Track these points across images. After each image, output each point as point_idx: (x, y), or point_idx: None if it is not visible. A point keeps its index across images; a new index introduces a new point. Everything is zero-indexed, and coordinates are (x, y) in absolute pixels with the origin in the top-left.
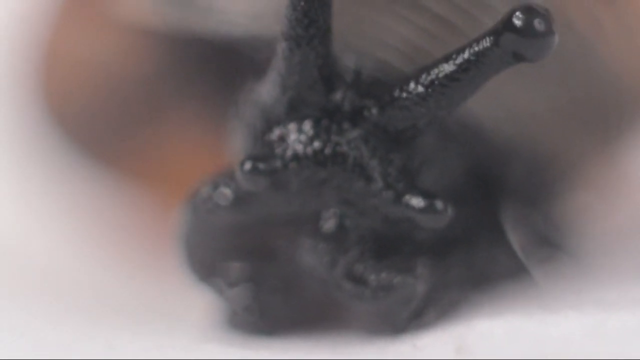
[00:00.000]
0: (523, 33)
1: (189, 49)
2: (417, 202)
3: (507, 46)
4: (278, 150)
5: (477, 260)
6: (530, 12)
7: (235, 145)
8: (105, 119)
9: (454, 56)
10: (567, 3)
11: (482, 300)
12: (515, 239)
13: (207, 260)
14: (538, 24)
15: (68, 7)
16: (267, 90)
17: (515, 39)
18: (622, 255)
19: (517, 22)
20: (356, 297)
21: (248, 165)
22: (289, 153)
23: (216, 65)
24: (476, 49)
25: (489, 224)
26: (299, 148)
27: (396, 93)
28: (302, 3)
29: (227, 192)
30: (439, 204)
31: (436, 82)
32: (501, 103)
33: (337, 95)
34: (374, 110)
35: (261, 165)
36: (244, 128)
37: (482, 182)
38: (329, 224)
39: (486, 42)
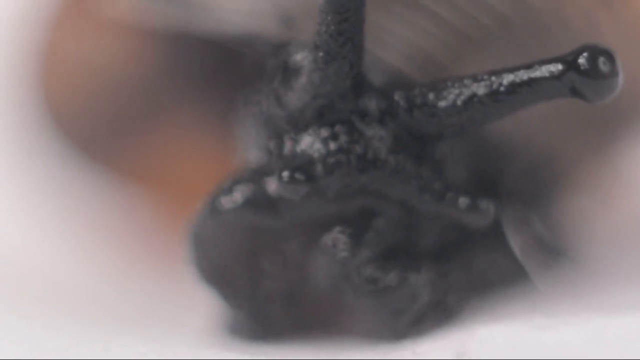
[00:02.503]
0: (587, 74)
1: (188, 49)
2: (462, 201)
3: (568, 82)
4: (316, 156)
5: (477, 264)
6: (596, 52)
7: (251, 144)
8: (105, 121)
9: (504, 77)
10: (563, 2)
11: (482, 305)
12: (515, 242)
13: (216, 261)
14: (602, 65)
15: (66, 8)
16: (295, 95)
17: (578, 78)
18: (621, 259)
19: (583, 63)
20: (365, 292)
21: (286, 175)
22: (331, 161)
23: (216, 65)
24: (531, 75)
25: (490, 226)
26: (340, 155)
27: (430, 98)
28: (335, 24)
29: (247, 193)
30: (483, 203)
31: (475, 100)
32: None
33: (365, 99)
34: (403, 112)
35: (299, 175)
36: (264, 128)
37: (482, 183)
38: (356, 224)
39: (544, 72)
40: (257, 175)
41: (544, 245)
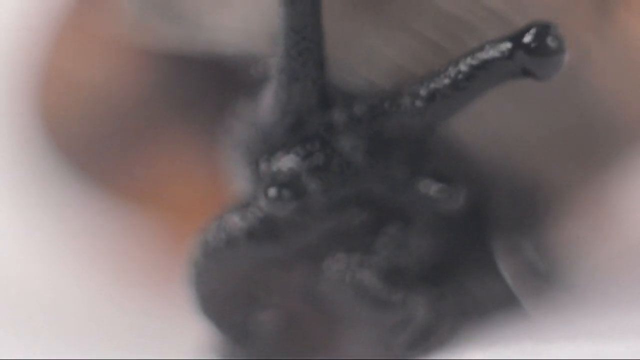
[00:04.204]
0: (535, 52)
1: (184, 69)
2: (433, 189)
3: (519, 62)
4: (297, 172)
5: (470, 289)
6: (544, 29)
7: (231, 166)
8: (102, 139)
9: (460, 62)
10: None
11: (474, 331)
12: (506, 268)
13: (215, 293)
14: (551, 42)
15: (65, 27)
16: (265, 113)
17: (526, 57)
18: (613, 286)
19: (530, 40)
20: (366, 301)
21: (273, 192)
22: (312, 176)
23: (211, 84)
24: (485, 57)
25: (481, 252)
26: (320, 172)
27: (386, 106)
28: (294, 44)
29: (244, 227)
30: (453, 189)
31: (438, 95)
32: (486, 124)
33: (332, 112)
34: (366, 121)
35: (286, 191)
36: (240, 150)
37: (471, 207)
38: (357, 246)
39: (496, 52)
40: (249, 205)
41: (535, 271)
